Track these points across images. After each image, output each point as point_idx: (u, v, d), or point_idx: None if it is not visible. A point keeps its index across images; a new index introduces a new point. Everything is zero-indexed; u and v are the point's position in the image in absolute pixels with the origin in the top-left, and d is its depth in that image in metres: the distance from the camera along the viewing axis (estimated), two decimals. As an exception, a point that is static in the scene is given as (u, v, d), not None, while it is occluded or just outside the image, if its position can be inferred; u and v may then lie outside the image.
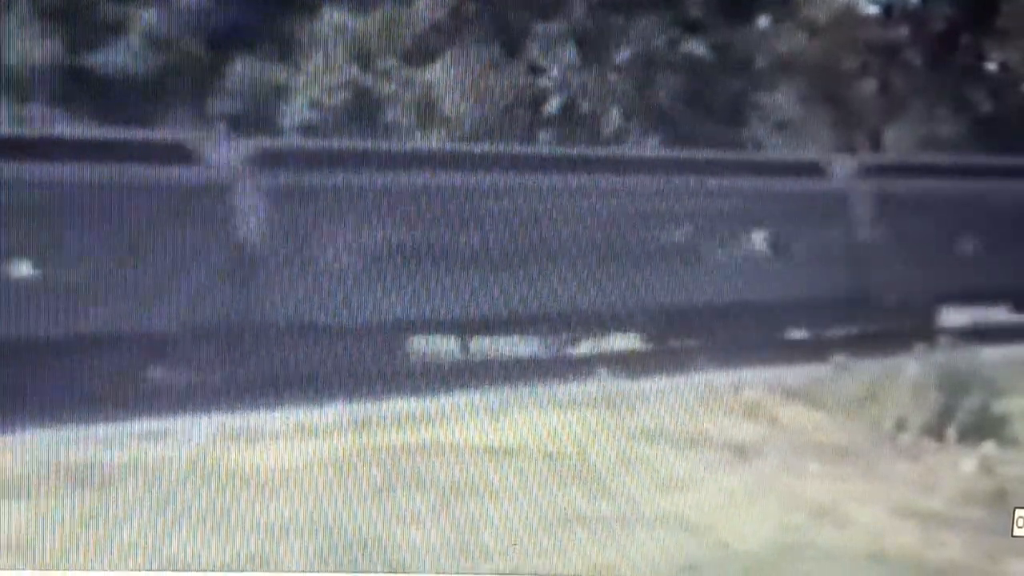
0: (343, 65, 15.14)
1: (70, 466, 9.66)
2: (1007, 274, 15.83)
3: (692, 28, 15.87)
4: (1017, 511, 9.34)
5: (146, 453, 10.04)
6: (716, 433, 11.18)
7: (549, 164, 13.92)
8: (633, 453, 10.58)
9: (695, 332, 14.15)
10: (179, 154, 12.55)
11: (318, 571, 8.54)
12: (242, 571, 8.41)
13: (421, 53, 15.10)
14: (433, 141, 15.44)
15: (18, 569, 8.46)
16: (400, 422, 10.89)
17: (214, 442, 10.41)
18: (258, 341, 12.24)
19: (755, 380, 12.45)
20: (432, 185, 13.29)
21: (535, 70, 15.43)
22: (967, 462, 10.73)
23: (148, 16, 14.91)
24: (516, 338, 13.82)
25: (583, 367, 12.83)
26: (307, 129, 15.40)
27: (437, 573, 8.62)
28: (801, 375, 12.65)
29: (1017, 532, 9.27)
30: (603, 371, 12.57)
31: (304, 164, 12.98)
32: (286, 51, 15.38)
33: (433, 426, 10.84)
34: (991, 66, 16.76)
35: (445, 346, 13.86)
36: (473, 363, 13.49)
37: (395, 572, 8.57)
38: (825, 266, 14.96)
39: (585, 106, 14.98)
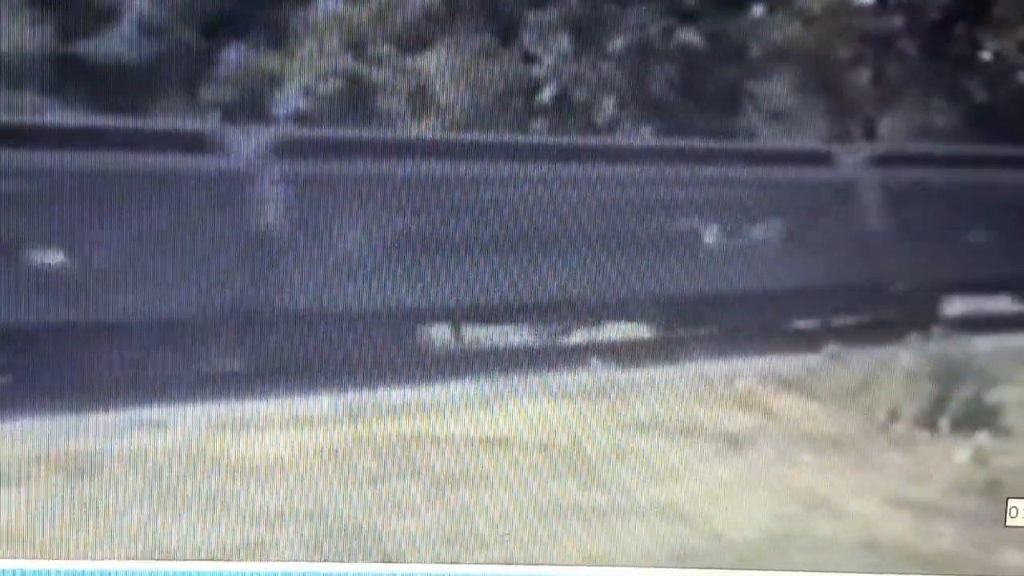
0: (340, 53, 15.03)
1: None
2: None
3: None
4: (1010, 501, 9.34)
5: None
6: (710, 423, 11.19)
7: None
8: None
9: (695, 321, 14.08)
10: None
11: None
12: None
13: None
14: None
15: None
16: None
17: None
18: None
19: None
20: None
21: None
22: (960, 452, 10.74)
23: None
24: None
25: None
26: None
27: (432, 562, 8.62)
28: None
29: (1010, 522, 9.28)
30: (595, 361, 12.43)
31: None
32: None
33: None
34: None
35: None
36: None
37: (389, 561, 8.57)
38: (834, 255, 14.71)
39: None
